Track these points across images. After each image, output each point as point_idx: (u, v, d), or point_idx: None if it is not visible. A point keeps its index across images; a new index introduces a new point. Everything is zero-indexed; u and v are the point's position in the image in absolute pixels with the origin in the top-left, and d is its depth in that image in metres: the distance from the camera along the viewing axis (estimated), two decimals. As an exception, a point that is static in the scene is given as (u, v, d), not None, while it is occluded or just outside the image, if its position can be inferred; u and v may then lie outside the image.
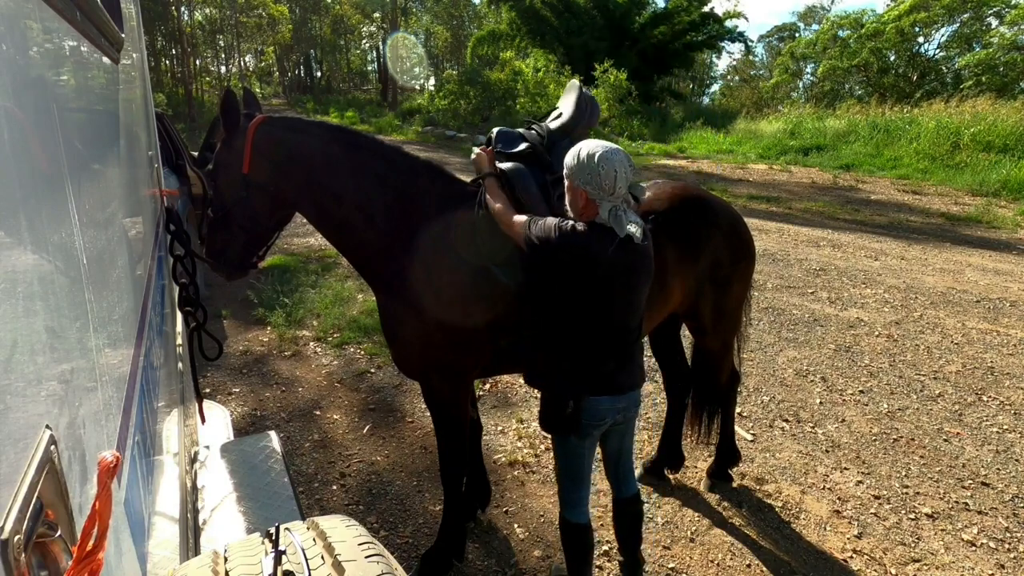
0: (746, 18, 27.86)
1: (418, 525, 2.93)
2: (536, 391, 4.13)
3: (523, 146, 2.26)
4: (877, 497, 3.17)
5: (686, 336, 3.14)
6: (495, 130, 2.33)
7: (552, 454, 3.41)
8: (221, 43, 39.90)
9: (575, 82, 2.40)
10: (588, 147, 1.85)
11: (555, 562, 2.68)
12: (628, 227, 1.81)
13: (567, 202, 1.95)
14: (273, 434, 2.35)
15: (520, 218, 1.96)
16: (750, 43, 31.68)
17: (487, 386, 4.19)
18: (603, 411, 1.99)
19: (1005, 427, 3.85)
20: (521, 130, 2.34)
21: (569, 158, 1.89)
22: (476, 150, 2.27)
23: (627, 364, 2.02)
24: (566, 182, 1.92)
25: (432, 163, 2.39)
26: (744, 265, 2.83)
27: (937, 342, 5.08)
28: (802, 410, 4.00)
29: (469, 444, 2.64)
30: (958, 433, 3.78)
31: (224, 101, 2.20)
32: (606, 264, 1.85)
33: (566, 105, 2.35)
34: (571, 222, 1.88)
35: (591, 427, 2.01)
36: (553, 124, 2.34)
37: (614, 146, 1.85)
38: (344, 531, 1.03)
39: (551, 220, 1.90)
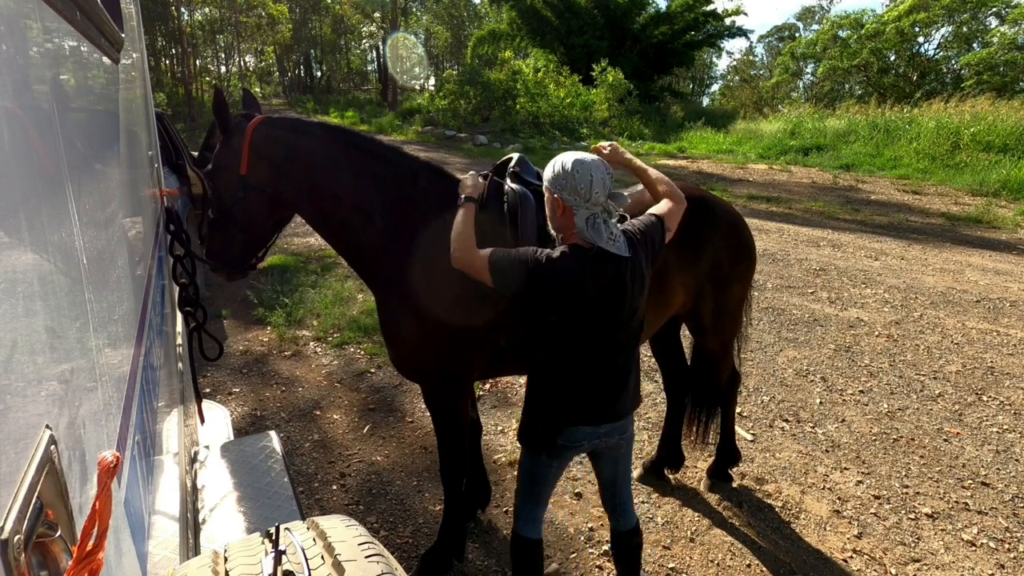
0: (745, 13, 27.87)
1: (418, 525, 2.93)
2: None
3: (538, 182, 2.23)
4: (877, 497, 3.17)
5: (686, 336, 3.14)
6: (516, 155, 2.28)
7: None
8: (221, 43, 39.93)
9: None
10: (564, 156, 1.83)
11: (552, 563, 2.68)
12: (606, 238, 1.76)
13: (547, 215, 1.89)
14: (273, 434, 2.36)
15: (484, 251, 1.85)
16: (749, 35, 31.67)
17: (487, 386, 4.19)
18: (581, 436, 1.91)
19: (1005, 427, 3.85)
20: (539, 170, 2.32)
21: (547, 169, 1.85)
22: (472, 174, 2.17)
23: (616, 391, 1.90)
24: (545, 194, 1.87)
25: (432, 164, 2.38)
26: (745, 266, 2.83)
27: (937, 342, 5.08)
28: (802, 410, 4.00)
29: (469, 444, 2.64)
30: (958, 433, 3.78)
31: (215, 101, 2.21)
32: (593, 286, 1.76)
33: None
34: (548, 251, 1.79)
35: (566, 448, 1.92)
36: None
37: (592, 156, 1.83)
38: (344, 531, 1.03)
39: (526, 248, 1.81)
